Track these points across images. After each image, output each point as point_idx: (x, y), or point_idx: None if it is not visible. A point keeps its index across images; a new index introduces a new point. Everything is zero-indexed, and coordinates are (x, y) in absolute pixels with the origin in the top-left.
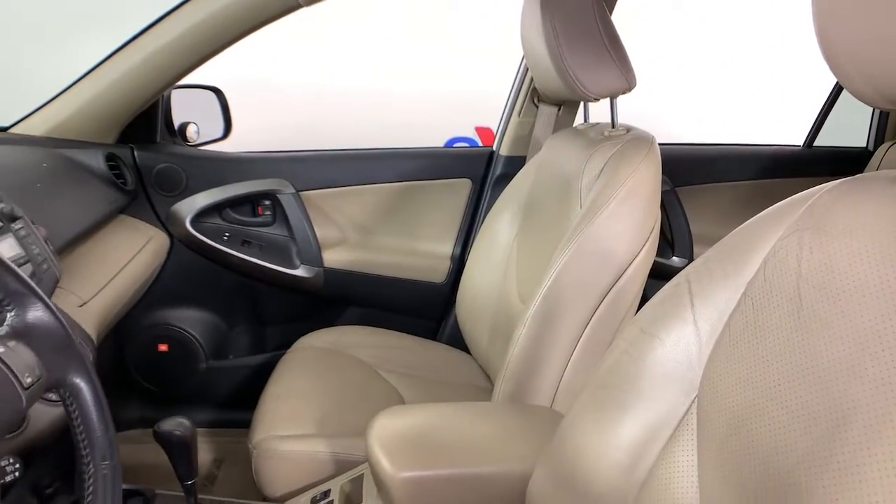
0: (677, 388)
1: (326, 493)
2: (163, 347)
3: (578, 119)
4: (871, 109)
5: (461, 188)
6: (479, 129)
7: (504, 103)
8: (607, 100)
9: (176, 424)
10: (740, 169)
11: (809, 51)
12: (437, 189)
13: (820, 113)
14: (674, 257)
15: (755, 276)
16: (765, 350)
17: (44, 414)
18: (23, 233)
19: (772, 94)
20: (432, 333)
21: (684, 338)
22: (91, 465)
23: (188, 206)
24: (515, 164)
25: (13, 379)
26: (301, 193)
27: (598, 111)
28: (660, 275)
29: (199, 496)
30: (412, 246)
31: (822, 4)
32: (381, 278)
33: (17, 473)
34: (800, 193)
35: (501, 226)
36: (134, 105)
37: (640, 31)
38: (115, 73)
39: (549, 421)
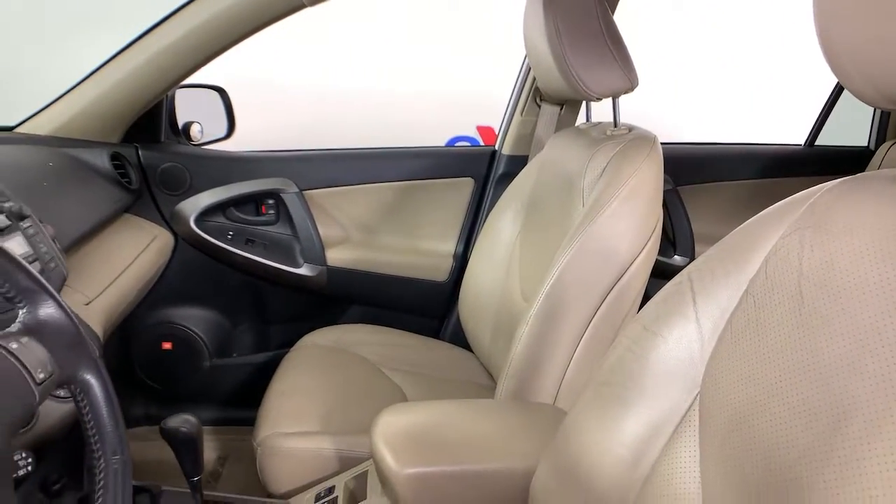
0: (680, 385)
1: (331, 490)
2: (167, 346)
3: (580, 118)
4: (872, 108)
5: (464, 187)
6: (480, 129)
7: (505, 103)
8: (609, 99)
9: (182, 421)
10: (742, 168)
11: (810, 50)
12: (439, 188)
13: (821, 112)
14: (675, 256)
15: (757, 274)
16: (766, 347)
17: (52, 410)
18: (31, 231)
19: (773, 94)
20: (435, 332)
21: (686, 335)
22: (102, 460)
23: (192, 205)
24: (518, 163)
25: (26, 375)
26: (304, 192)
27: (600, 110)
28: (661, 273)
29: (205, 492)
30: (415, 245)
31: (824, 4)
32: (384, 277)
33: (29, 468)
34: (801, 192)
35: (504, 224)
36: (138, 105)
37: (642, 31)
38: (120, 72)
39: (552, 418)
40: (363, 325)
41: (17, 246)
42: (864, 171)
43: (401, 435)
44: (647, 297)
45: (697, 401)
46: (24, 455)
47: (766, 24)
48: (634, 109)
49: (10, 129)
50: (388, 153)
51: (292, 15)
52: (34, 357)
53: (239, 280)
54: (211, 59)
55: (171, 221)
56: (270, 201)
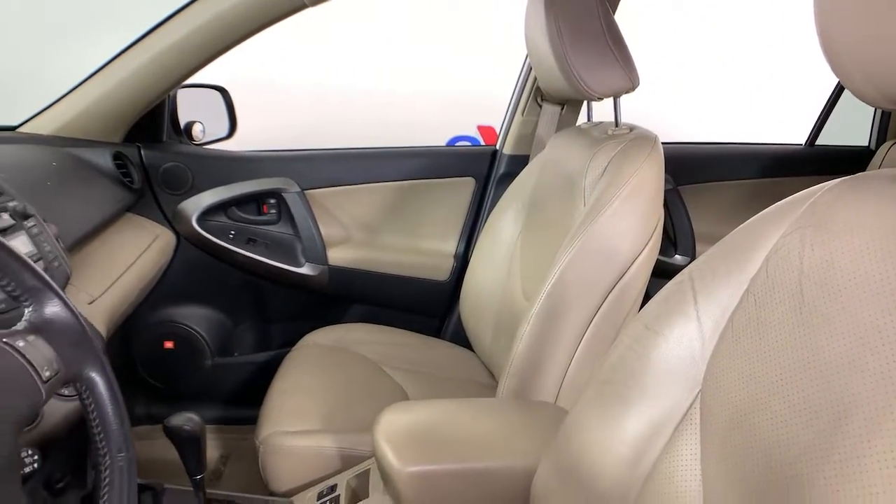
0: (681, 383)
1: (333, 488)
2: (169, 345)
3: (581, 118)
4: (872, 108)
5: (465, 187)
6: (480, 128)
7: (506, 103)
8: (610, 99)
9: (185, 420)
10: (742, 168)
11: (811, 50)
12: (440, 187)
13: (822, 112)
14: (676, 255)
15: (757, 273)
16: (767, 346)
17: (57, 409)
18: (35, 230)
19: (774, 94)
20: (436, 331)
21: (688, 334)
22: (107, 458)
23: (194, 205)
24: (519, 162)
25: (33, 373)
26: (306, 192)
27: (601, 110)
28: (662, 273)
29: (207, 491)
30: (416, 244)
31: (824, 4)
32: (385, 276)
33: (35, 465)
34: (802, 192)
35: (505, 224)
36: (141, 104)
37: (643, 31)
38: (122, 72)
39: (554, 417)
40: (364, 324)
41: (21, 245)
42: (864, 170)
43: (402, 433)
44: (648, 297)
45: (698, 399)
46: (30, 452)
47: (766, 23)
48: (635, 109)
49: (13, 128)
50: (389, 153)
51: (294, 15)
52: (40, 355)
53: (240, 279)
54: (213, 59)
55: (173, 221)
56: (272, 201)
